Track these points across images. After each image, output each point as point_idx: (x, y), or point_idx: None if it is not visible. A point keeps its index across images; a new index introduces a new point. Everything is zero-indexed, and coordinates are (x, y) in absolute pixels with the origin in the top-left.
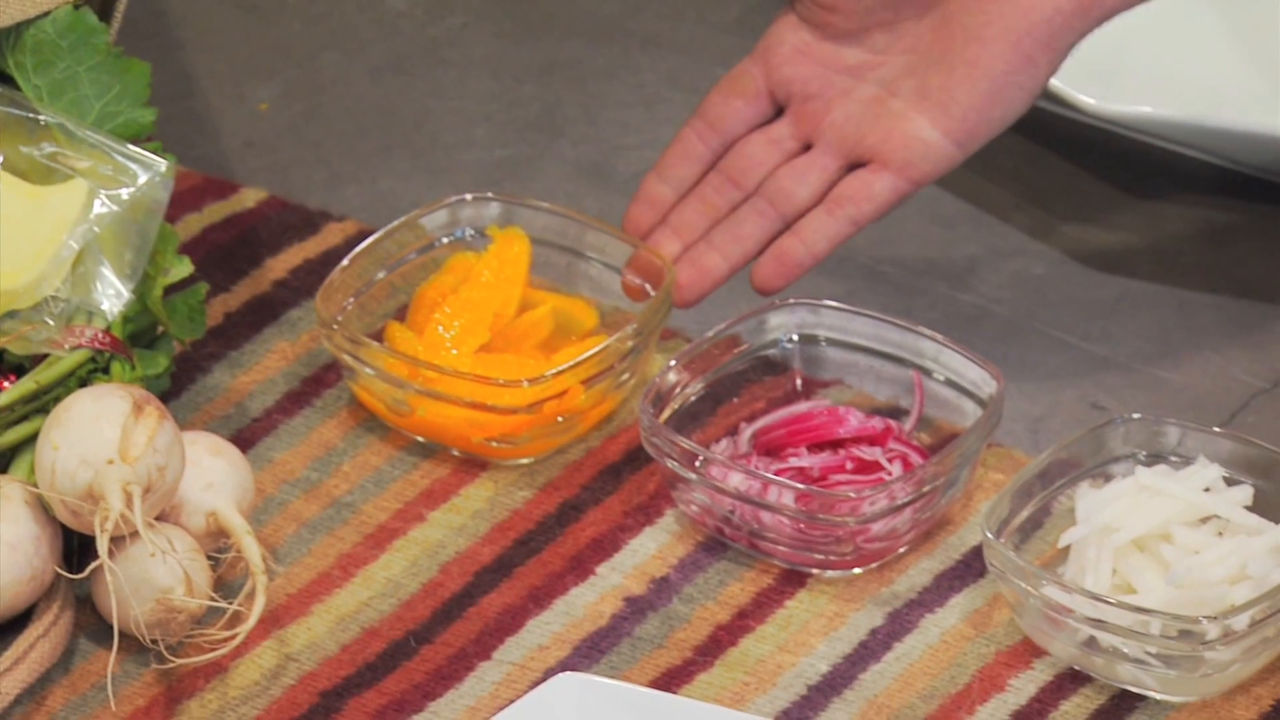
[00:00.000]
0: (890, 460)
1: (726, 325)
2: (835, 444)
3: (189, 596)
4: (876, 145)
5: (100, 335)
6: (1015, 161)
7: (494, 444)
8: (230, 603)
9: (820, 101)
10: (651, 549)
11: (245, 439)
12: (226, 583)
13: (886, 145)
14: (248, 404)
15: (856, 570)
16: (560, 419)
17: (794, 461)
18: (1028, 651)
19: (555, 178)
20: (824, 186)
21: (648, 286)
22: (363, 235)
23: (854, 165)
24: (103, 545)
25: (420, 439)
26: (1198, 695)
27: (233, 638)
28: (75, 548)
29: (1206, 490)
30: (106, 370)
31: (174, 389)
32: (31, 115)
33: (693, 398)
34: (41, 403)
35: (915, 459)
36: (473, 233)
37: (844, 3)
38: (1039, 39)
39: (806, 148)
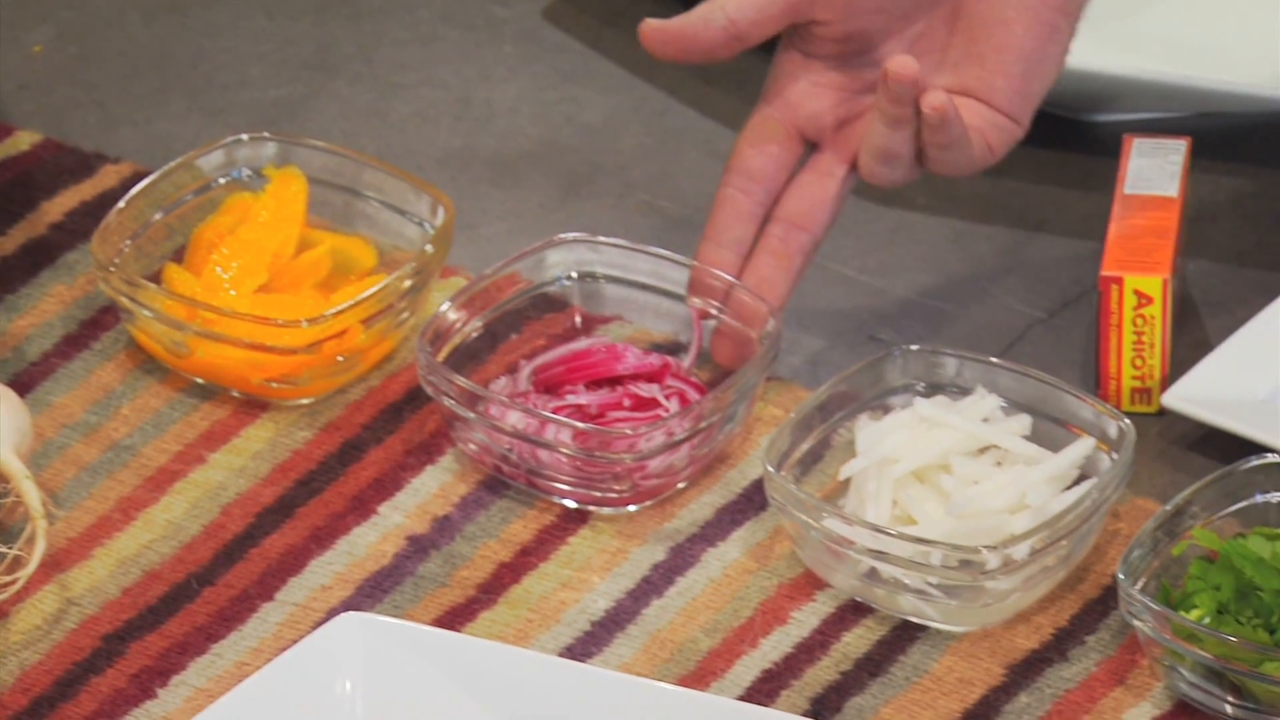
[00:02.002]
0: (668, 397)
1: (505, 263)
2: (613, 381)
3: None
4: None
5: None
6: None
7: (274, 384)
8: (10, 548)
9: (855, 124)
10: (433, 488)
11: (23, 383)
12: (6, 528)
13: None
14: (25, 348)
15: (633, 507)
16: (340, 359)
17: (572, 399)
18: (809, 584)
19: (331, 117)
20: None
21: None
22: (139, 177)
23: None
24: None
25: (200, 381)
26: (979, 624)
27: (13, 583)
28: None
29: (985, 420)
30: None
31: None
32: None
33: (472, 335)
34: None
35: (693, 395)
36: (249, 173)
37: (843, 25)
38: (1056, 6)
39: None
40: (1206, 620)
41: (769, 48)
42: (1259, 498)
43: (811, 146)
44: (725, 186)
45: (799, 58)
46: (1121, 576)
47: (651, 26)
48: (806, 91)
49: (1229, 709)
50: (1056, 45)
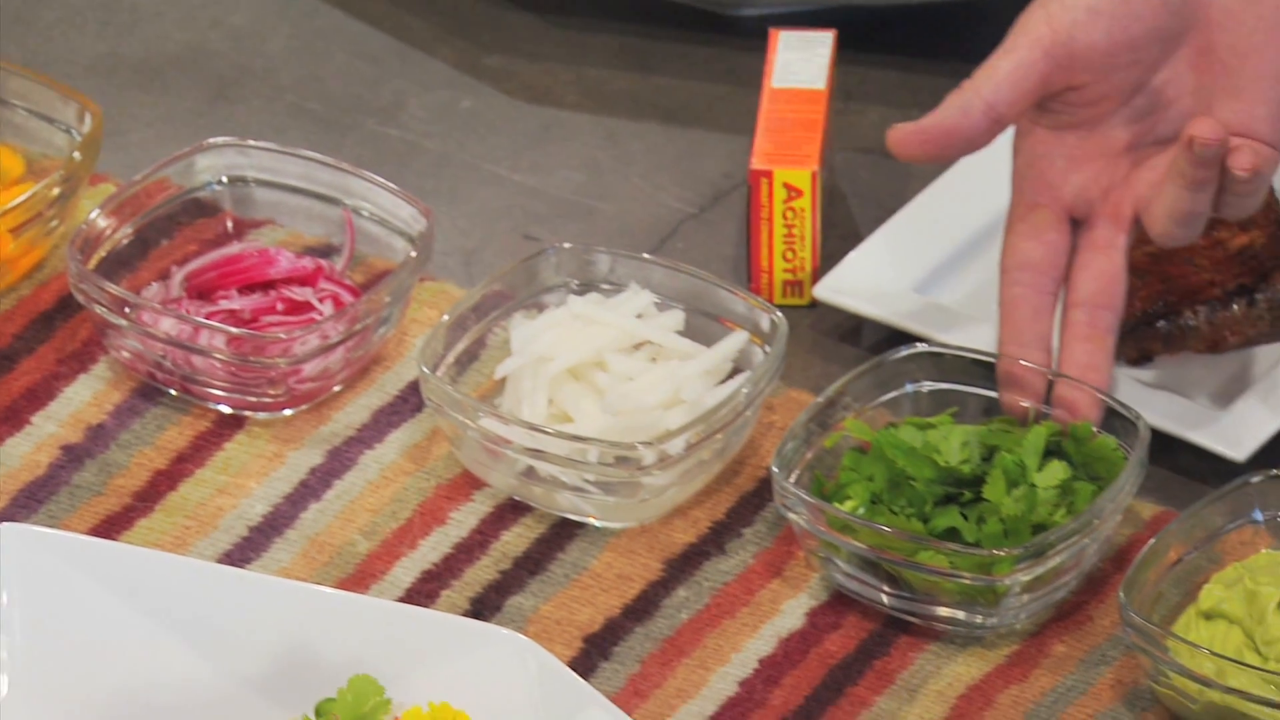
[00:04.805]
0: (321, 300)
1: (154, 169)
2: (266, 285)
3: None
4: None
5: None
6: None
7: None
8: None
9: (1123, 188)
10: (87, 396)
11: None
12: None
13: None
14: None
15: (289, 411)
16: None
17: (225, 304)
18: (468, 484)
19: None
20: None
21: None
22: None
23: None
24: None
25: None
26: (636, 520)
27: None
28: None
29: (638, 316)
30: None
31: None
32: None
33: (123, 242)
34: None
35: (347, 298)
36: None
37: (1098, 86)
38: None
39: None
40: (860, 511)
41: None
42: (909, 387)
43: (1076, 222)
44: (1011, 285)
45: (1047, 135)
46: (775, 469)
47: (905, 131)
48: (1065, 168)
49: (885, 598)
50: None
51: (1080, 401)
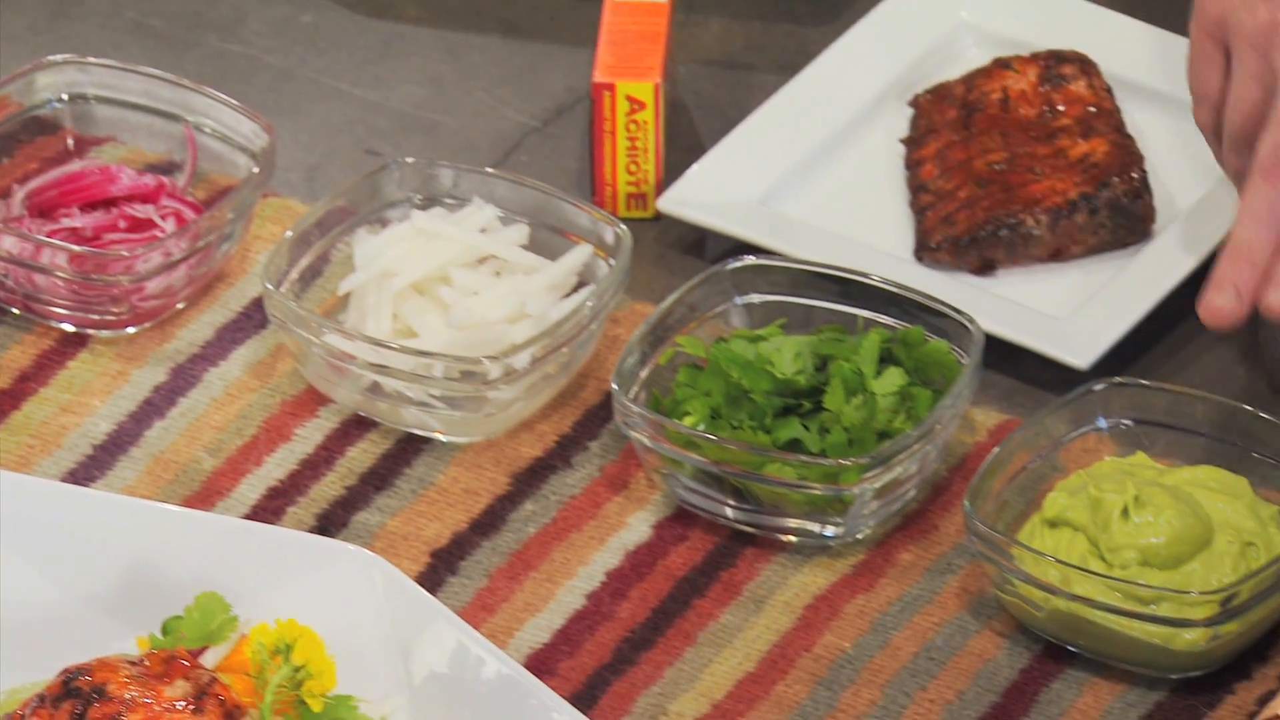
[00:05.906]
0: (164, 217)
1: None
2: (108, 203)
3: None
4: None
5: None
6: None
7: None
8: None
9: None
10: None
11: None
12: None
13: None
14: None
15: (132, 329)
16: None
17: (66, 222)
18: (313, 400)
19: None
20: None
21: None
22: None
23: None
24: None
25: None
26: (483, 435)
27: None
28: None
29: (482, 231)
30: None
31: None
32: None
33: None
34: None
35: (189, 215)
36: None
37: None
38: None
39: None
40: (701, 427)
41: None
42: (738, 300)
43: None
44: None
45: None
46: (615, 387)
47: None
48: None
49: (730, 512)
50: None
51: None
